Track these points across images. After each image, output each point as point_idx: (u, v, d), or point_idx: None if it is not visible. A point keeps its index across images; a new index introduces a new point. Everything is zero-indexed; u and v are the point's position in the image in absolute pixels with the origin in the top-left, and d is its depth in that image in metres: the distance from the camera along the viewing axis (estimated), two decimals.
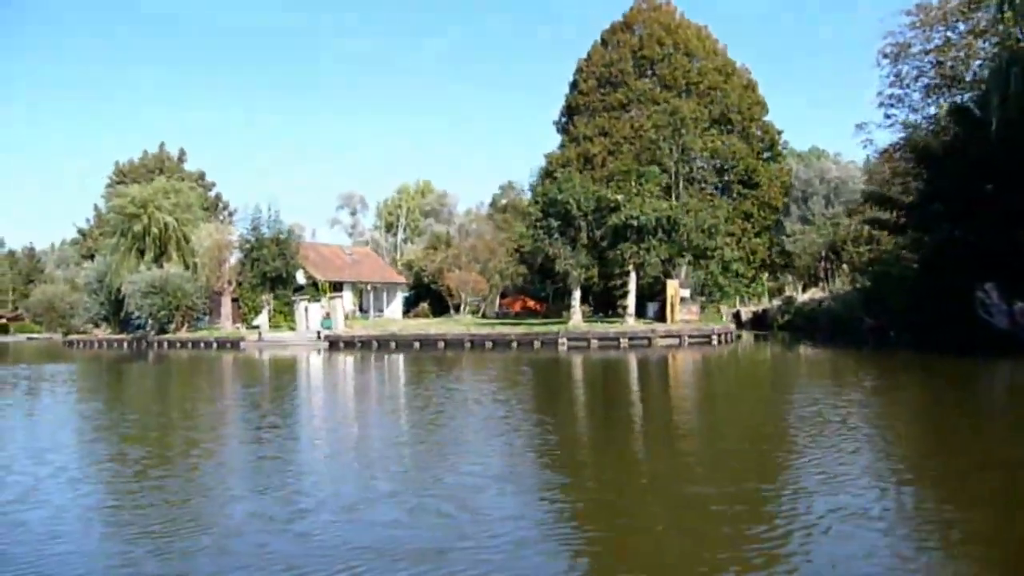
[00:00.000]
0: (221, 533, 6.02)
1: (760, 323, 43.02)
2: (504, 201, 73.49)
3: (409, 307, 56.47)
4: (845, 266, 48.44)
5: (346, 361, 27.83)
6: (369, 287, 52.22)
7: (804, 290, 47.79)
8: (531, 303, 54.95)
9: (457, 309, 53.56)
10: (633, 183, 32.60)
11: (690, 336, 30.20)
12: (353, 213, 79.04)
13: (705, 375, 20.69)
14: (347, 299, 45.88)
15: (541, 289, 54.45)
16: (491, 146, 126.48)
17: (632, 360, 24.21)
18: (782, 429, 10.38)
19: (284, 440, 10.66)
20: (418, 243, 71.38)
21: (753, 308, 46.46)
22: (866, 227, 51.22)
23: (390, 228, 78.02)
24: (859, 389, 15.22)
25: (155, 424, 12.50)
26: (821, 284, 48.43)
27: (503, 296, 56.95)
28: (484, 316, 51.61)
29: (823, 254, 55.52)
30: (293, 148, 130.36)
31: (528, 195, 75.40)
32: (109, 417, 13.66)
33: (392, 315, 53.52)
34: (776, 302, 46.87)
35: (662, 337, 30.02)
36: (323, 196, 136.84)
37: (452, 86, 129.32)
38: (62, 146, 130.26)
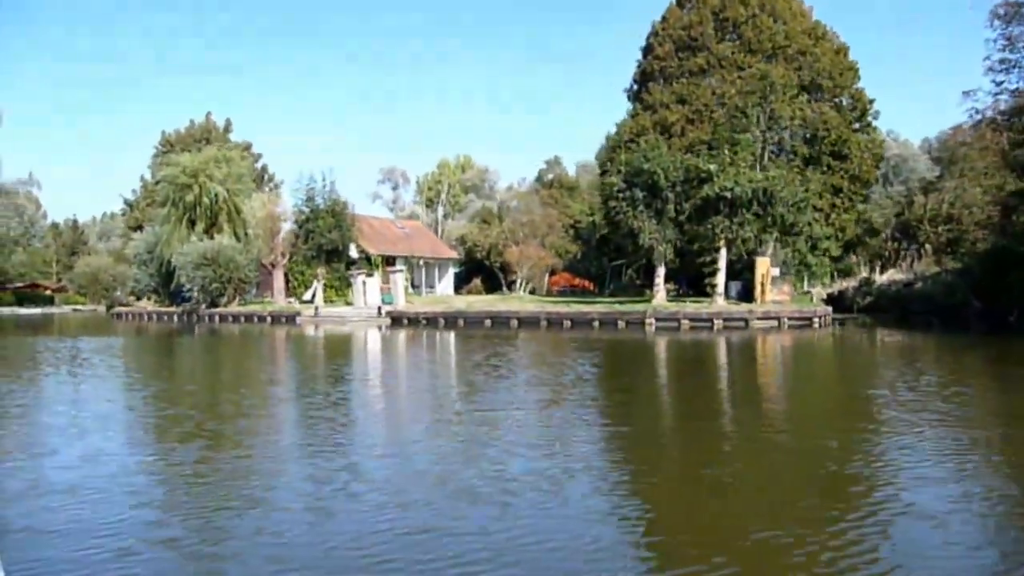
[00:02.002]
0: None
1: (836, 305, 40.56)
2: (550, 176, 71.19)
3: (460, 283, 54.64)
4: (927, 246, 45.73)
5: (420, 339, 25.94)
6: (421, 262, 50.42)
7: (882, 271, 45.20)
8: (586, 282, 53.03)
9: (511, 286, 51.64)
10: (726, 152, 30.14)
11: (790, 318, 27.91)
12: (395, 188, 77.42)
13: (850, 366, 18.43)
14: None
15: (598, 267, 52.28)
16: (532, 121, 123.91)
17: (739, 344, 22.03)
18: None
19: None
20: (459, 218, 69.41)
21: (827, 289, 43.96)
22: (945, 205, 48.66)
23: (431, 204, 76.13)
24: None
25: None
26: (900, 264, 45.84)
27: (551, 274, 54.94)
28: (533, 293, 49.68)
29: (891, 234, 52.75)
30: (332, 121, 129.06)
31: (572, 170, 73.45)
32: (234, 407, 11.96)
33: (444, 291, 51.80)
34: (852, 283, 44.35)
35: (759, 319, 27.77)
36: (362, 170, 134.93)
37: (492, 61, 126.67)
38: (102, 120, 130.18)
